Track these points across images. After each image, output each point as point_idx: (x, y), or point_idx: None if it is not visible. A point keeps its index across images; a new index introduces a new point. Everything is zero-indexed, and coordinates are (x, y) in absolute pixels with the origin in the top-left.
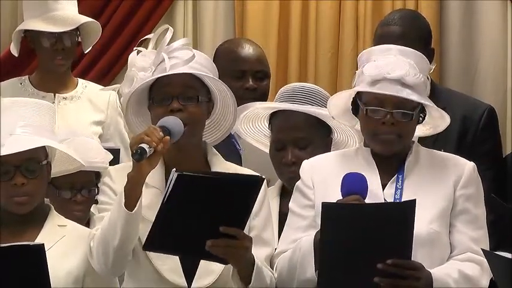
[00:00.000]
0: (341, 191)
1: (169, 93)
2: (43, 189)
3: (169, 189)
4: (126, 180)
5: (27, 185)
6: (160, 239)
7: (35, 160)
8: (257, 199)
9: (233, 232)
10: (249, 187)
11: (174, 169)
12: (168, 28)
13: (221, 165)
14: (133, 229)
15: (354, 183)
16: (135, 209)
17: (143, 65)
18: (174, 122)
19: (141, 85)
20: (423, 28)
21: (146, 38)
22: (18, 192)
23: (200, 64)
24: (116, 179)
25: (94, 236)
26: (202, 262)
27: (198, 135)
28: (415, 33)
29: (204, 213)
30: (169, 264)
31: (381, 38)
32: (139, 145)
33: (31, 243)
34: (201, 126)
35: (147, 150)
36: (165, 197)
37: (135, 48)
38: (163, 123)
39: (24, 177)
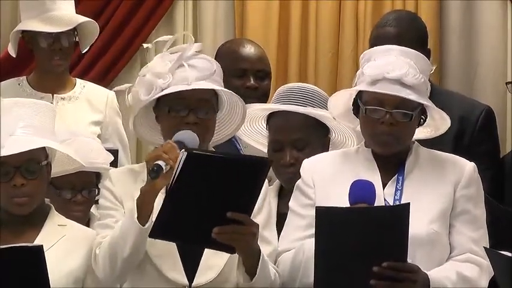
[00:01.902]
0: (348, 199)
1: (187, 105)
2: (43, 189)
3: (179, 168)
4: (139, 192)
5: (27, 186)
6: (167, 225)
7: (35, 161)
8: (259, 197)
9: (240, 218)
10: (257, 168)
11: (183, 149)
12: (188, 36)
13: None
14: (143, 242)
15: (361, 191)
16: (148, 224)
17: (160, 71)
18: (190, 137)
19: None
20: (419, 29)
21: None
22: (17, 193)
23: (217, 74)
24: (117, 182)
25: (101, 245)
26: (203, 258)
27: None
28: (410, 34)
29: (211, 197)
30: (169, 263)
31: (377, 39)
32: (157, 162)
33: (30, 244)
34: (212, 135)
35: (164, 167)
36: (174, 177)
37: (144, 45)
38: (180, 138)
39: (23, 178)
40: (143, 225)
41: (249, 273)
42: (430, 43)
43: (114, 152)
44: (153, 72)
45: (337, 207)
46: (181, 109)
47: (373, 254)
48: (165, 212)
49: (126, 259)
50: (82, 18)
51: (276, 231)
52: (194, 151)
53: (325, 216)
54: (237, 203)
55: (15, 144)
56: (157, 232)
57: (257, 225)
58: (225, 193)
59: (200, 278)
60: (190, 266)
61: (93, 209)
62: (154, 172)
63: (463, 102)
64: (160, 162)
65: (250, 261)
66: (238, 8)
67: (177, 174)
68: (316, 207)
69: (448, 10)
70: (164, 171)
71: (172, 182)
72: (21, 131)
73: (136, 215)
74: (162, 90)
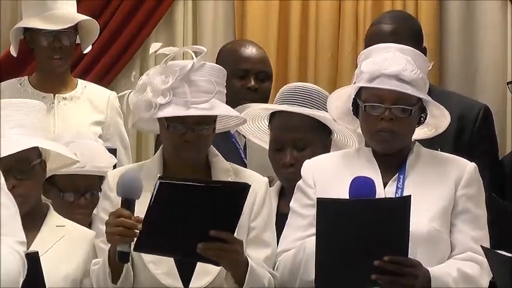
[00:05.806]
0: (348, 196)
1: (186, 123)
2: (37, 189)
3: (153, 195)
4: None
5: (20, 187)
6: (149, 240)
7: (26, 161)
8: (258, 200)
9: (223, 236)
10: (235, 194)
11: (159, 175)
12: (188, 52)
13: (221, 166)
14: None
15: (361, 188)
16: (119, 282)
17: (160, 88)
18: (134, 187)
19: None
20: (414, 27)
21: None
22: None
23: (219, 85)
24: (115, 188)
25: (94, 268)
26: (198, 263)
27: None
28: (405, 31)
29: (191, 217)
30: (164, 268)
31: (372, 36)
32: (121, 249)
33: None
34: (210, 145)
35: (130, 249)
36: (150, 202)
37: (153, 45)
38: (125, 194)
39: (15, 179)
40: (115, 283)
41: (238, 283)
42: (430, 43)
43: (113, 151)
44: (153, 88)
45: (339, 198)
46: (180, 127)
47: (375, 247)
48: (146, 229)
49: None
50: (82, 16)
51: (275, 232)
52: (167, 180)
53: (326, 208)
54: (219, 222)
55: (5, 145)
56: (141, 247)
57: (241, 242)
58: (205, 215)
59: (195, 283)
60: (186, 271)
61: (95, 211)
62: (123, 259)
63: (461, 101)
64: (124, 249)
65: (238, 273)
66: (238, 8)
67: (152, 199)
68: (317, 198)
69: (448, 10)
70: (131, 250)
71: (149, 206)
72: (11, 131)
73: (109, 271)
74: (161, 108)
